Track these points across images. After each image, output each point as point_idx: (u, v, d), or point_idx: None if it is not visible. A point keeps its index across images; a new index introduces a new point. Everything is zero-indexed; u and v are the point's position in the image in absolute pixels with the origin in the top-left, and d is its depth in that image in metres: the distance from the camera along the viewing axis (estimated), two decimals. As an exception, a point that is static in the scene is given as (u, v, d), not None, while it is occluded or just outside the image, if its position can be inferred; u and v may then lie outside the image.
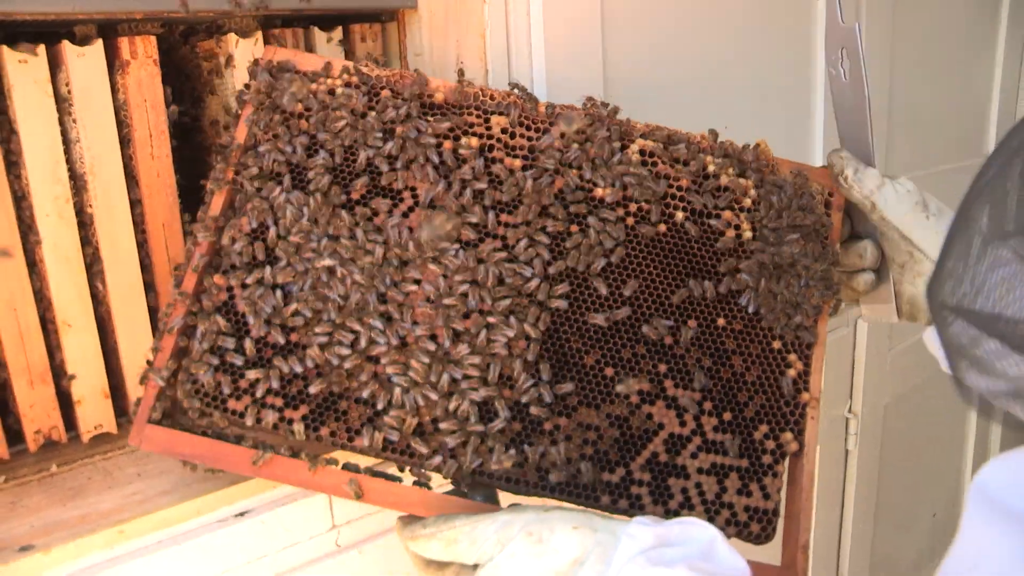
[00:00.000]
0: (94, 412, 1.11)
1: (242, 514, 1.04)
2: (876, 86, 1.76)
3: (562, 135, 1.05)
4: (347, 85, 1.05)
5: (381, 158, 1.02)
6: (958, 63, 2.11)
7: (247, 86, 1.09)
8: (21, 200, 1.03)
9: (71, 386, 1.09)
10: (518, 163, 1.04)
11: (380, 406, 0.95)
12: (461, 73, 1.18)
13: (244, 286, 0.98)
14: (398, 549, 1.15)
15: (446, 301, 0.97)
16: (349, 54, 1.26)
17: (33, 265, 1.05)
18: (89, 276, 1.09)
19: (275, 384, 0.95)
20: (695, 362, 1.02)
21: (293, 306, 0.97)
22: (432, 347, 0.96)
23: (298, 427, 0.94)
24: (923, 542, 2.41)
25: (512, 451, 0.95)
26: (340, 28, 1.22)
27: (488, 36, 1.17)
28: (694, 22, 1.41)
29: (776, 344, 1.04)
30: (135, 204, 1.12)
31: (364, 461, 0.98)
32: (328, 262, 0.98)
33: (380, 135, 1.03)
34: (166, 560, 0.98)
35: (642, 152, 1.06)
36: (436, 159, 1.02)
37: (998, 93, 2.26)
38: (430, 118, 1.05)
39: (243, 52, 1.15)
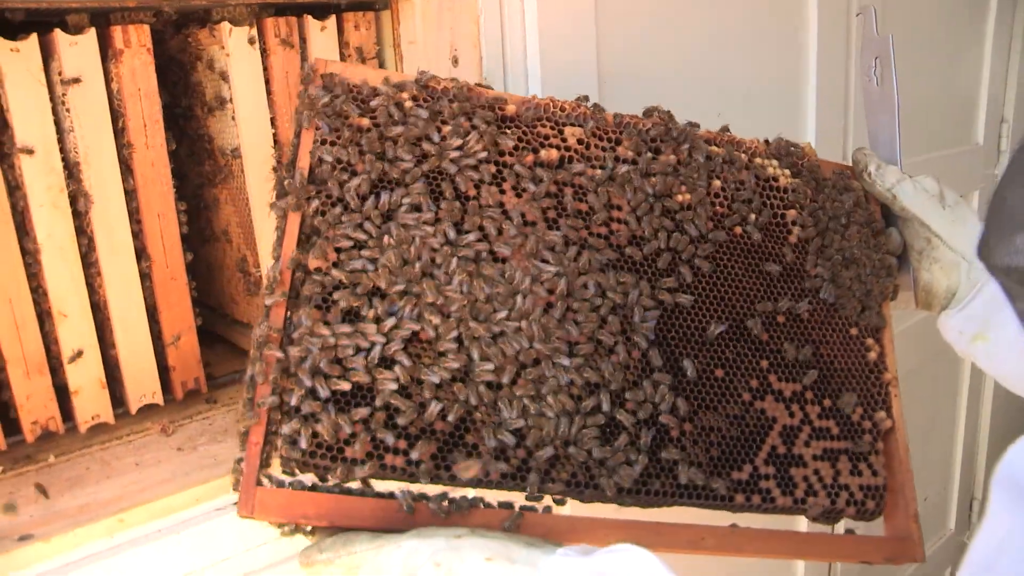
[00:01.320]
0: (91, 402, 1.11)
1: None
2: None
3: (636, 145, 1.05)
4: (414, 99, 0.99)
5: (469, 183, 0.97)
6: (947, 54, 2.12)
7: (308, 108, 0.97)
8: (15, 190, 1.03)
9: (67, 375, 1.08)
10: (599, 173, 1.02)
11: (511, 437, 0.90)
12: (455, 61, 1.19)
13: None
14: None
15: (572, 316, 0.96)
16: (343, 44, 1.25)
17: (28, 255, 1.05)
18: (84, 266, 1.09)
19: (401, 422, 0.88)
20: (794, 354, 1.06)
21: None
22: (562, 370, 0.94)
23: (425, 467, 0.88)
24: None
25: (645, 461, 0.94)
26: (334, 16, 1.22)
27: (482, 23, 1.17)
28: (688, 7, 1.41)
29: (854, 331, 1.11)
30: (130, 194, 1.12)
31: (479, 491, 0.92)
32: (456, 296, 0.92)
33: (475, 162, 0.97)
34: (166, 548, 0.98)
35: (710, 157, 1.08)
36: (528, 175, 0.99)
37: (987, 83, 2.27)
38: (507, 130, 1.01)
39: (236, 41, 1.15)
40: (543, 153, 1.01)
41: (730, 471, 0.99)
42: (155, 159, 1.13)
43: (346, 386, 0.87)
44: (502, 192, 0.99)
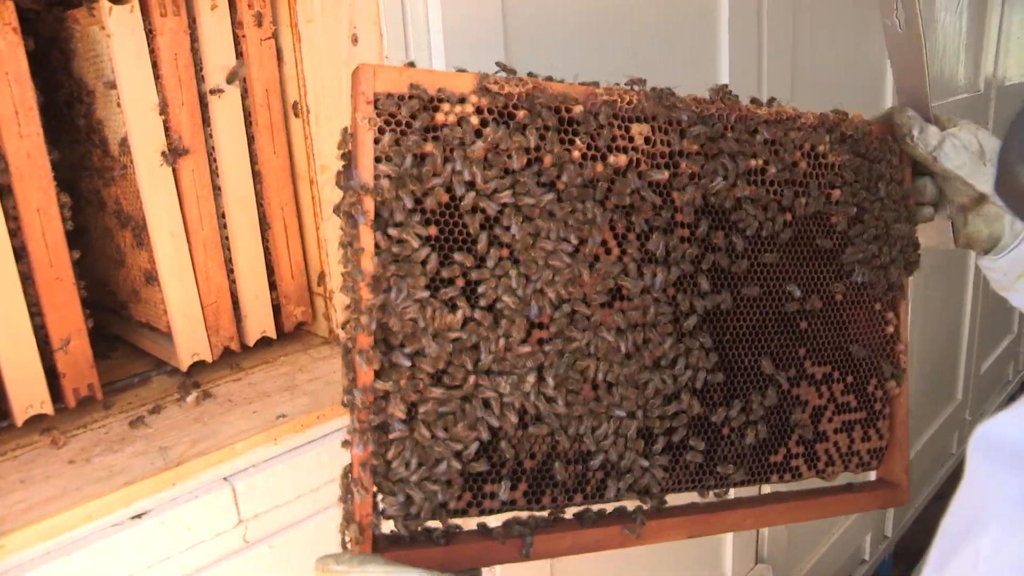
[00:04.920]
0: (-31, 416, 1.03)
1: (139, 516, 0.97)
2: (780, 49, 1.77)
3: (697, 135, 0.96)
4: (478, 111, 0.85)
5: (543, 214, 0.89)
6: (856, 26, 2.13)
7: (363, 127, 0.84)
8: None
9: (-59, 389, 1.00)
10: (666, 175, 0.94)
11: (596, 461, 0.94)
12: (355, 40, 1.13)
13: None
14: (309, 541, 1.10)
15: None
16: (236, 24, 1.18)
17: None
18: (-45, 269, 1.00)
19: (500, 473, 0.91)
20: (829, 339, 1.08)
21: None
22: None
23: (522, 503, 0.92)
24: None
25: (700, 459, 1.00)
26: (225, -7, 1.15)
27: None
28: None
29: (878, 306, 1.12)
30: (4, 189, 1.03)
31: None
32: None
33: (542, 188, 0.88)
34: (54, 573, 0.90)
35: (768, 141, 1.01)
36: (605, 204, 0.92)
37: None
38: (574, 138, 0.89)
39: (118, 21, 1.07)
40: (611, 159, 0.91)
41: (767, 455, 1.06)
42: (31, 150, 1.04)
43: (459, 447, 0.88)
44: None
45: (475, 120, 0.85)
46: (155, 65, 1.12)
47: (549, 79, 0.91)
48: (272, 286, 1.30)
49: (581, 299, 0.91)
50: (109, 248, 1.30)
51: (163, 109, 1.13)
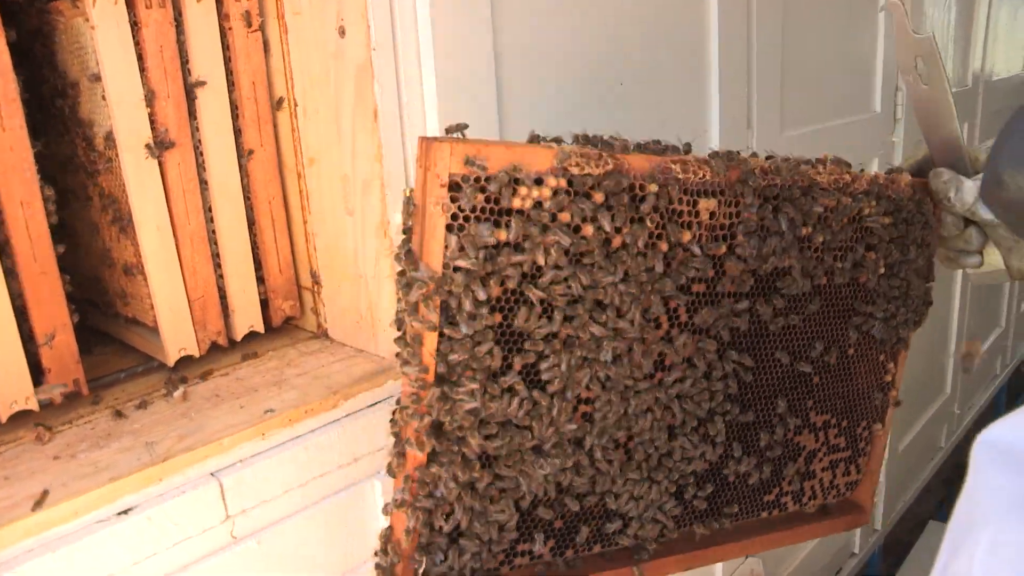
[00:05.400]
0: (-48, 412, 1.02)
1: (125, 512, 0.96)
2: (769, 45, 1.77)
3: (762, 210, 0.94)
4: (556, 194, 0.81)
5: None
6: (845, 23, 2.13)
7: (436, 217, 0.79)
8: None
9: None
10: (723, 249, 0.92)
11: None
12: (342, 32, 1.12)
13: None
14: (297, 536, 1.10)
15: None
16: (223, 16, 1.17)
17: None
18: (-63, 263, 0.99)
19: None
20: (836, 391, 1.11)
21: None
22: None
23: (547, 556, 0.97)
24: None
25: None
26: (211, -14, 1.14)
27: (370, -9, 1.10)
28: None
29: (881, 357, 1.15)
30: (-13, 182, 1.02)
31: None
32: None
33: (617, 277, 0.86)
34: (39, 570, 0.89)
35: (823, 212, 0.99)
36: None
37: (882, 53, 2.30)
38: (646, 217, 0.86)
39: (102, 12, 1.06)
40: (677, 237, 0.89)
41: (762, 496, 1.11)
42: (14, 142, 1.03)
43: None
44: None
45: (551, 204, 0.80)
46: (140, 58, 1.11)
47: (613, 140, 0.88)
48: (260, 280, 1.29)
49: (628, 374, 0.91)
50: (95, 243, 1.29)
51: (149, 102, 1.12)
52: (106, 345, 1.35)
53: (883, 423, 1.19)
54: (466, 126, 0.87)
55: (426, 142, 0.78)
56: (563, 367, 0.85)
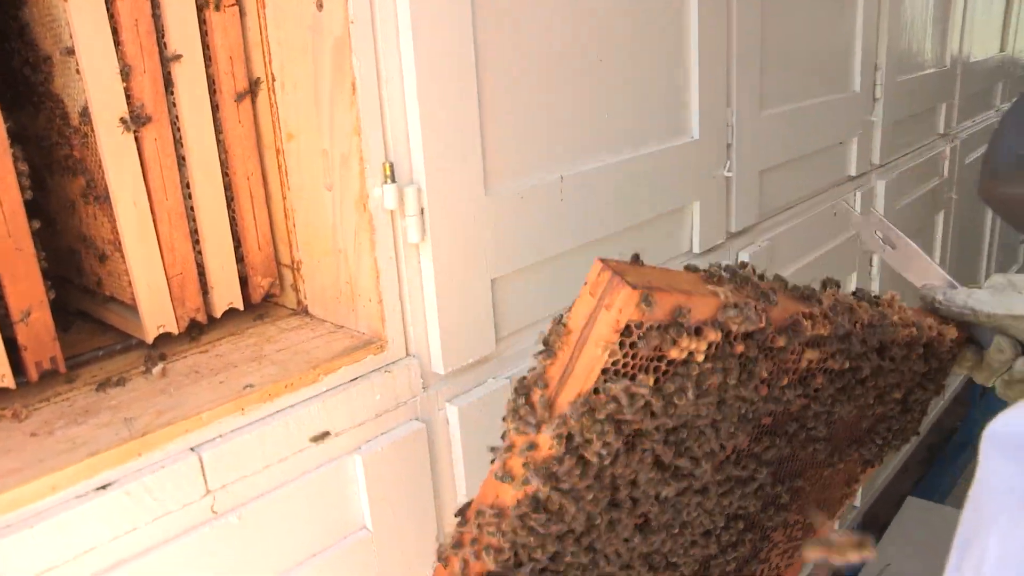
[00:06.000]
0: (-73, 388, 1.00)
1: (104, 487, 0.96)
2: (749, 23, 1.77)
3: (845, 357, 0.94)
4: (710, 347, 0.76)
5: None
6: (825, 3, 2.14)
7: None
8: None
9: None
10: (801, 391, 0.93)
11: None
12: (320, 5, 1.11)
13: None
14: (278, 511, 1.09)
15: None
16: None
17: None
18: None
19: None
20: (812, 499, 1.15)
21: None
22: None
23: None
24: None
25: None
26: (185, -42, 1.12)
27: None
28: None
29: (858, 469, 1.19)
30: (-41, 156, 1.01)
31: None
32: None
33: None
34: (17, 545, 0.88)
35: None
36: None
37: (860, 33, 2.31)
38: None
39: (75, -16, 1.04)
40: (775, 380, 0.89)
41: None
42: (-15, 118, 1.01)
43: None
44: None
45: (701, 357, 0.76)
46: (115, 31, 1.09)
47: (763, 281, 0.87)
48: (239, 258, 1.28)
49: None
50: (71, 220, 1.28)
51: (125, 76, 1.11)
52: (84, 324, 1.34)
53: (834, 517, 1.26)
54: (638, 257, 0.81)
55: (609, 275, 0.71)
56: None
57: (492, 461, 0.83)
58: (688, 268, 0.87)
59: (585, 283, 0.73)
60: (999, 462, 0.66)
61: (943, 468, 3.57)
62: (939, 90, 3.01)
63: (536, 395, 0.76)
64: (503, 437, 0.82)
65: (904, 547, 2.85)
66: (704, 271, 0.85)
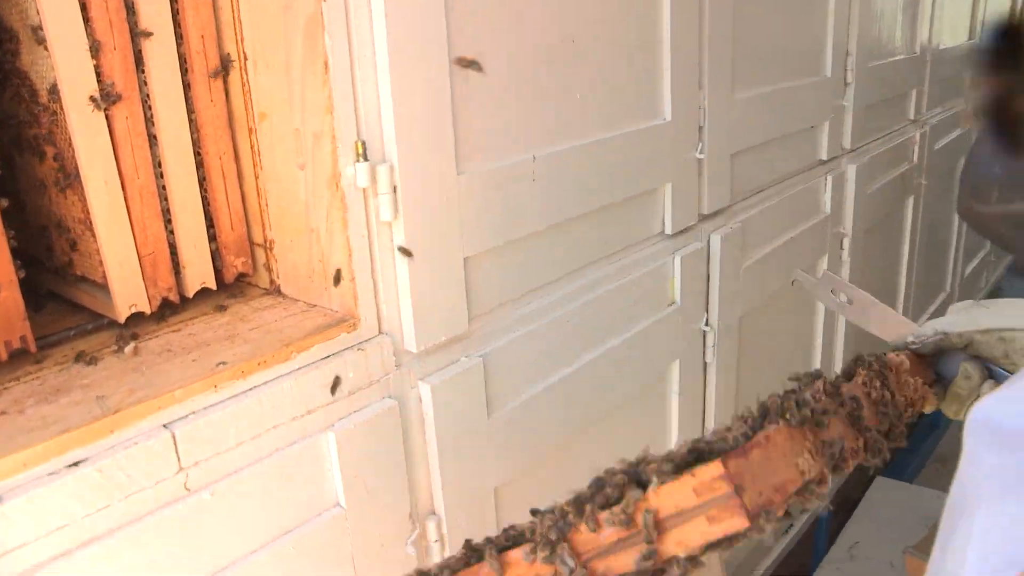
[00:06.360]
0: None
1: (76, 464, 0.96)
2: (722, 9, 1.78)
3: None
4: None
5: None
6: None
7: None
8: None
9: None
10: None
11: None
12: (292, -18, 1.10)
13: None
14: (251, 488, 1.10)
15: None
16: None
17: None
18: None
19: None
20: None
21: None
22: None
23: None
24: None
25: None
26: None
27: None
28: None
29: None
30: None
31: None
32: None
33: None
34: (-12, 519, 0.89)
35: None
36: None
37: (832, 18, 2.34)
38: None
39: (42, -41, 1.03)
40: None
41: None
42: (-47, 93, 1.01)
43: None
44: None
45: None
46: (84, 7, 1.09)
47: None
48: (211, 237, 1.28)
49: None
50: (42, 200, 1.27)
51: (94, 53, 1.10)
52: (55, 305, 1.33)
53: None
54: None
55: (728, 491, 0.67)
56: None
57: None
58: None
59: (692, 474, 0.69)
60: (979, 449, 0.68)
61: (912, 449, 3.63)
62: (909, 76, 3.05)
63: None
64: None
65: (873, 526, 2.90)
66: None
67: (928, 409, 1.16)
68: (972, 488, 0.66)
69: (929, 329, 1.18)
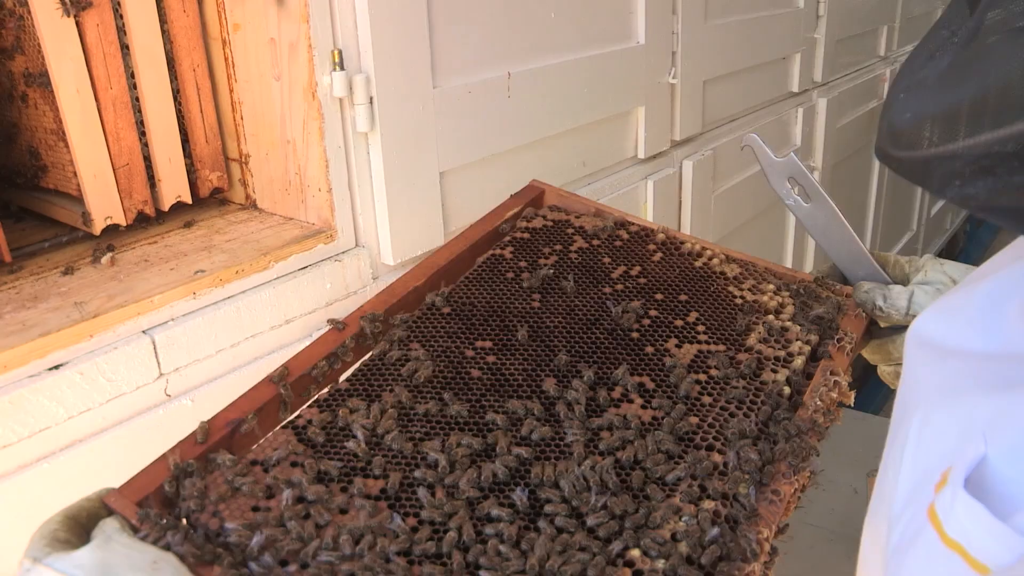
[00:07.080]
0: None
1: (57, 367, 0.97)
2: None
3: None
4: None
5: None
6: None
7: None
8: None
9: None
10: None
11: None
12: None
13: None
14: (231, 396, 1.11)
15: None
16: None
17: None
18: None
19: None
20: None
21: None
22: None
23: None
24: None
25: None
26: None
27: None
28: None
29: None
30: None
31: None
32: None
33: None
34: (-31, 418, 0.90)
35: None
36: None
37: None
38: None
39: None
40: None
41: None
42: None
43: None
44: None
45: None
46: (51, -91, 1.06)
47: None
48: (186, 152, 1.27)
49: None
50: (10, 112, 1.25)
51: (61, -43, 1.08)
52: (28, 221, 1.32)
53: None
54: None
55: None
56: None
57: None
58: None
59: None
60: (916, 362, 0.71)
61: (878, 383, 3.70)
62: (881, 12, 3.05)
63: None
64: None
65: (838, 456, 2.98)
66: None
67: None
68: (910, 398, 0.70)
69: (901, 303, 1.03)
